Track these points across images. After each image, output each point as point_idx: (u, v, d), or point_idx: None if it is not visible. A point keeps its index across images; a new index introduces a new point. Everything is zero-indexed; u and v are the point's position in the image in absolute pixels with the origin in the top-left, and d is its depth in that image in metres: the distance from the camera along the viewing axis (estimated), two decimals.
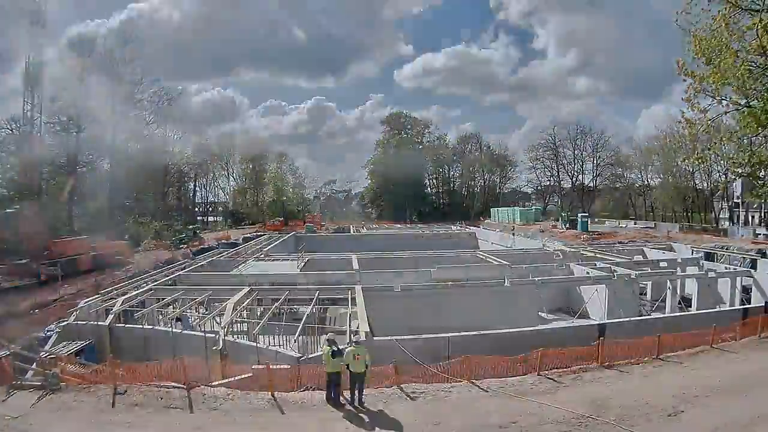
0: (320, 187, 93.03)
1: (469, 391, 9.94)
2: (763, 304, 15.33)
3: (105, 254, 32.87)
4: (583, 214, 52.12)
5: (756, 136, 13.38)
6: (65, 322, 14.94)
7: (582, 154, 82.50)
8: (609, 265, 22.21)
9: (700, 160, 15.22)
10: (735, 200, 57.60)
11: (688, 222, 59.50)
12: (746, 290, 21.69)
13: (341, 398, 9.39)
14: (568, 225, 51.90)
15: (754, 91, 12.01)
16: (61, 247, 30.84)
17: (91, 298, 16.75)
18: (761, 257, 24.99)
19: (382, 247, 37.33)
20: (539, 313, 19.36)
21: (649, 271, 22.28)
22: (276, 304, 16.04)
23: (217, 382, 10.70)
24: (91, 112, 52.21)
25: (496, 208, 78.27)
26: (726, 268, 22.78)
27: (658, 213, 70.12)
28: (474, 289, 18.67)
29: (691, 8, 11.83)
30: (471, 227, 57.48)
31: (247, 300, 16.48)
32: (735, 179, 47.75)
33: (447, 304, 17.75)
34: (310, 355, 12.06)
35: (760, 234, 41.77)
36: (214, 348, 12.46)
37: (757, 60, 11.65)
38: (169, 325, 14.36)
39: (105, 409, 9.15)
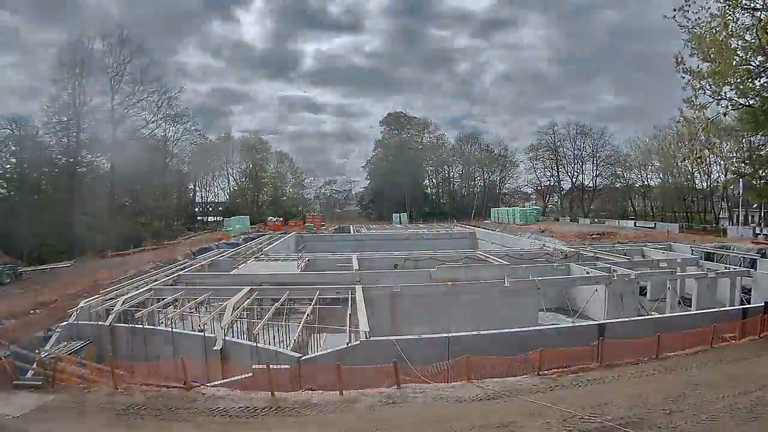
0: (320, 187, 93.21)
1: (469, 391, 9.94)
2: (763, 304, 15.30)
3: None
4: None
5: (756, 135, 13.43)
6: (66, 322, 14.95)
7: (582, 154, 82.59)
8: (609, 265, 22.22)
9: (698, 161, 15.22)
10: (735, 200, 57.55)
11: (688, 222, 59.48)
12: (746, 290, 21.71)
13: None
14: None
15: (754, 91, 12.01)
16: None
17: (91, 298, 16.76)
18: (761, 257, 24.97)
19: (383, 247, 37.36)
20: (539, 313, 19.37)
21: (649, 271, 22.29)
22: (276, 304, 16.04)
23: (217, 382, 10.72)
24: (91, 112, 52.14)
25: (495, 208, 78.33)
26: (726, 268, 22.79)
27: (658, 213, 70.10)
28: (474, 289, 18.68)
29: (690, 5, 11.79)
30: (471, 227, 57.48)
31: (247, 300, 16.49)
32: (736, 179, 47.74)
33: (447, 304, 17.76)
34: (311, 355, 12.07)
35: (760, 234, 41.75)
36: (215, 348, 12.48)
37: (756, 59, 11.65)
38: (169, 325, 14.36)
39: (105, 410, 9.15)
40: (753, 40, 11.45)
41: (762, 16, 11.11)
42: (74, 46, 51.08)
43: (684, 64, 12.40)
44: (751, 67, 11.80)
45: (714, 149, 14.74)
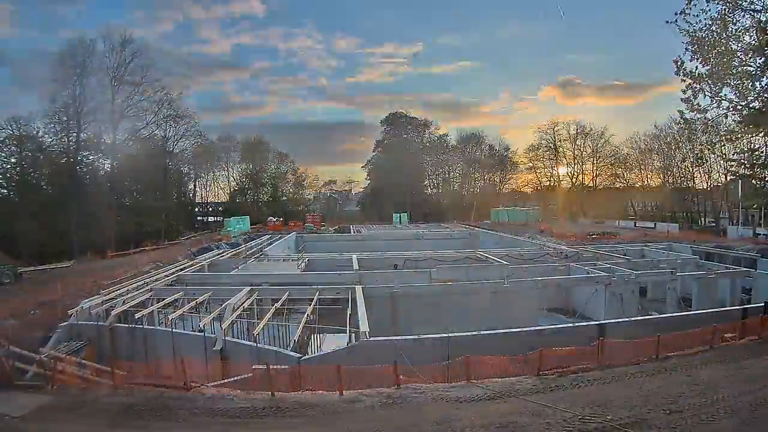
0: (320, 187, 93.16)
1: (469, 391, 9.94)
2: (763, 304, 15.30)
3: None
4: None
5: (755, 136, 13.39)
6: (66, 322, 14.96)
7: (582, 154, 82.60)
8: (609, 265, 22.22)
9: (699, 161, 15.17)
10: (736, 200, 57.56)
11: (688, 222, 59.49)
12: (746, 290, 21.70)
13: None
14: None
15: (754, 93, 12.00)
16: None
17: (91, 298, 16.76)
18: (761, 257, 24.98)
19: (383, 248, 37.33)
20: (539, 313, 19.37)
21: (649, 271, 22.30)
22: (276, 304, 16.05)
23: (217, 382, 10.72)
24: (91, 113, 52.18)
25: (495, 209, 78.36)
26: (726, 268, 22.79)
27: (658, 213, 70.12)
28: (474, 289, 18.68)
29: (690, 8, 11.79)
30: (471, 227, 57.47)
31: (248, 300, 16.50)
32: (735, 179, 47.76)
33: (447, 304, 17.76)
34: (311, 355, 12.08)
35: (760, 234, 41.77)
36: (215, 348, 12.49)
37: (757, 61, 11.65)
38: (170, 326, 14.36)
39: (105, 410, 9.15)
40: (752, 42, 11.45)
41: (762, 18, 11.12)
42: (75, 47, 51.21)
43: (684, 68, 12.36)
44: (750, 69, 11.79)
45: (714, 150, 14.65)
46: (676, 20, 12.12)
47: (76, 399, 9.64)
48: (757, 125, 12.25)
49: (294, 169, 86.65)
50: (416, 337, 12.40)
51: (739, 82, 11.88)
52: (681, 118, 13.39)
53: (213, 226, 70.43)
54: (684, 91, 12.60)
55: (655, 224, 55.88)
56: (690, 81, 12.38)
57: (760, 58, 11.67)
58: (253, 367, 10.76)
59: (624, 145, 77.46)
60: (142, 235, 49.58)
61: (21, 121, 49.97)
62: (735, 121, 13.08)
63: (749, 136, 13.57)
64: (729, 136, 13.81)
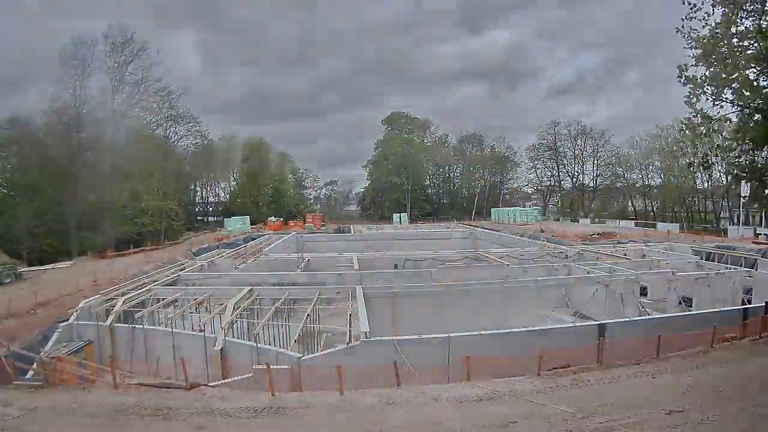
0: (320, 187, 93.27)
1: (469, 391, 9.93)
2: (764, 305, 15.27)
3: None
4: None
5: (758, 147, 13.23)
6: (66, 322, 14.96)
7: (582, 154, 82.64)
8: (609, 265, 22.20)
9: (704, 166, 14.94)
10: (739, 199, 57.42)
11: (689, 222, 59.48)
12: (746, 290, 21.67)
13: None
14: None
15: (756, 99, 11.90)
16: None
17: (91, 298, 16.77)
18: (762, 257, 24.97)
19: (383, 247, 37.32)
20: (539, 313, 19.35)
21: (649, 271, 22.28)
22: (276, 304, 16.04)
23: (217, 382, 10.73)
24: (91, 112, 52.14)
25: (496, 208, 78.42)
26: (726, 268, 22.76)
27: (659, 213, 70.10)
28: (474, 289, 18.67)
29: (695, 12, 11.72)
30: (471, 227, 57.47)
31: (248, 300, 16.49)
32: (737, 181, 47.64)
33: (447, 304, 17.75)
34: (311, 355, 12.07)
35: (760, 234, 41.77)
36: (215, 348, 12.49)
37: (757, 66, 11.56)
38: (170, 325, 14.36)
39: (105, 410, 9.15)
40: (754, 46, 11.34)
41: (764, 22, 11.03)
42: (76, 46, 51.13)
43: (687, 74, 12.25)
44: (751, 76, 11.68)
45: (716, 151, 14.43)
46: (683, 26, 12.03)
47: (76, 399, 9.63)
48: (754, 138, 12.10)
49: (294, 169, 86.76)
50: (416, 336, 12.39)
51: (740, 86, 11.78)
52: (682, 123, 13.25)
53: (213, 226, 70.51)
54: (688, 97, 12.49)
55: (655, 224, 55.92)
56: (692, 86, 12.27)
57: (758, 65, 11.56)
58: (253, 367, 10.76)
59: (624, 145, 77.55)
60: (142, 235, 49.61)
61: (21, 122, 49.96)
62: (732, 127, 12.97)
63: (743, 144, 13.37)
64: (728, 143, 13.65)
